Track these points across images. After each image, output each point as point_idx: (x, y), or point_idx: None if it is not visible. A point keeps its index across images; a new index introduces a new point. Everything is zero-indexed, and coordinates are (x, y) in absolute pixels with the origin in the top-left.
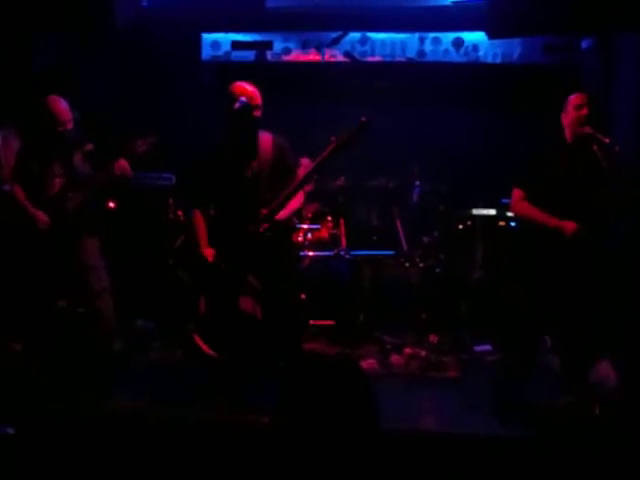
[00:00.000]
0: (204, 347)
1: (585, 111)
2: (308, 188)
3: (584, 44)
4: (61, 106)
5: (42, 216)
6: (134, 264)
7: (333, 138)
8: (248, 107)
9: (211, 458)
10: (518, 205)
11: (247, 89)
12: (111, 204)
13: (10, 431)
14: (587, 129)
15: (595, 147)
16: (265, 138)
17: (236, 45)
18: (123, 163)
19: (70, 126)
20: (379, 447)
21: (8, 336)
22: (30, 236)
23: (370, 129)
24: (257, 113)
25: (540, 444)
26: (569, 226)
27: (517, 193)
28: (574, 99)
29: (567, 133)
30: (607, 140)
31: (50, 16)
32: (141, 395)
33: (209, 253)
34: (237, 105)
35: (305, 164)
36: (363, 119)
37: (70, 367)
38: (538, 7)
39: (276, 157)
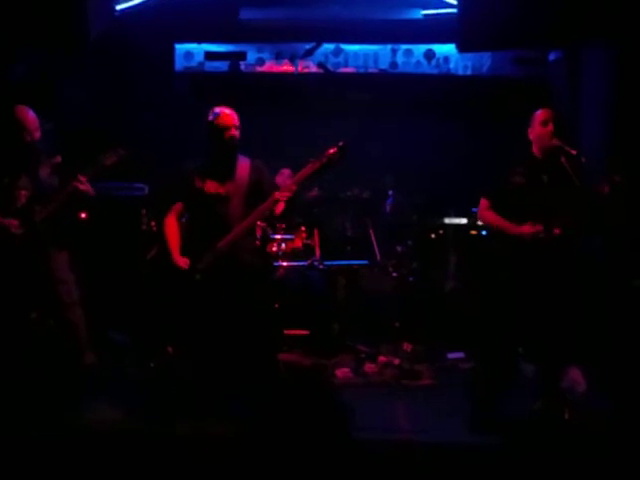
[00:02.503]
0: (176, 358)
1: (551, 127)
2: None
3: (551, 56)
4: (29, 115)
5: (12, 222)
6: (107, 275)
7: (311, 160)
8: (220, 116)
9: (186, 470)
10: (483, 213)
11: (224, 110)
12: (83, 215)
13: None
14: (555, 141)
15: (563, 159)
16: (243, 162)
17: (209, 56)
18: (78, 185)
19: (37, 135)
20: (353, 455)
21: None
22: None
23: (347, 153)
24: (234, 132)
25: (513, 450)
26: (525, 229)
27: (483, 202)
28: (539, 115)
29: (534, 148)
30: (574, 152)
31: (22, 26)
32: (114, 408)
33: (183, 262)
34: (210, 117)
35: (286, 174)
36: (341, 143)
37: (41, 379)
38: (507, 22)
39: (253, 180)
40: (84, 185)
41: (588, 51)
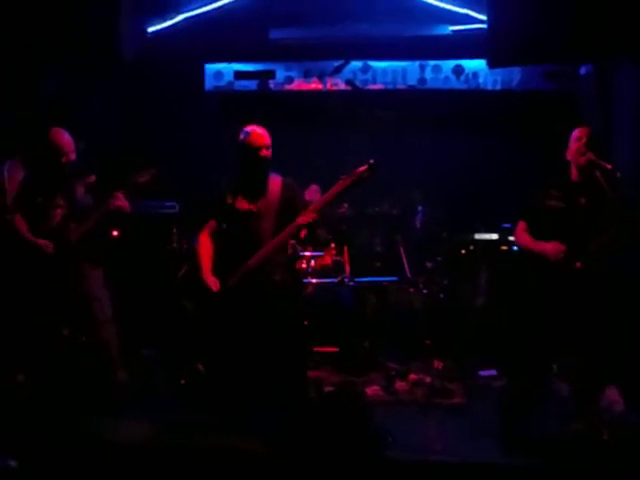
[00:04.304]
0: (207, 375)
1: (584, 140)
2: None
3: (582, 70)
4: (64, 137)
5: (45, 243)
6: (138, 293)
7: (342, 177)
8: (251, 136)
9: None
10: (519, 236)
11: (255, 129)
12: (115, 233)
13: (12, 464)
14: (589, 155)
15: (598, 173)
16: (275, 179)
17: (239, 75)
18: (115, 202)
19: (73, 157)
20: (384, 475)
21: (11, 367)
22: (32, 265)
23: (378, 170)
24: (265, 152)
25: (548, 471)
26: (551, 249)
27: (520, 225)
28: (575, 133)
29: (572, 170)
30: (609, 166)
31: (58, 47)
32: (144, 424)
33: (213, 282)
34: (242, 136)
35: (314, 189)
36: (372, 161)
37: (73, 397)
38: (537, 37)
39: (284, 198)
40: (120, 201)
41: (619, 66)
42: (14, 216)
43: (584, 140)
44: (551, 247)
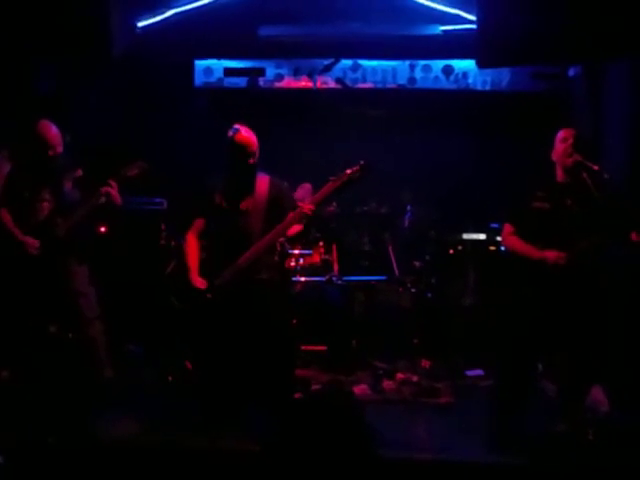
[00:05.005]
0: (195, 373)
1: (570, 141)
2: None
3: (571, 72)
4: (52, 131)
5: (31, 241)
6: (125, 289)
7: (332, 178)
8: (239, 140)
9: None
10: (507, 239)
11: (242, 133)
12: (102, 229)
13: None
14: (576, 156)
15: (585, 174)
16: (262, 179)
17: (228, 72)
18: (110, 190)
19: (60, 150)
20: (371, 473)
21: None
22: (19, 261)
23: (370, 171)
24: (252, 160)
25: (534, 471)
26: (550, 255)
27: (507, 228)
28: (560, 134)
29: (557, 170)
30: (596, 167)
31: (47, 42)
32: (131, 421)
33: (200, 282)
34: (230, 133)
35: (307, 188)
36: (362, 162)
37: (59, 394)
38: (526, 37)
39: (272, 197)
40: (113, 189)
41: (609, 66)
42: (0, 210)
43: (570, 141)
44: (552, 255)
